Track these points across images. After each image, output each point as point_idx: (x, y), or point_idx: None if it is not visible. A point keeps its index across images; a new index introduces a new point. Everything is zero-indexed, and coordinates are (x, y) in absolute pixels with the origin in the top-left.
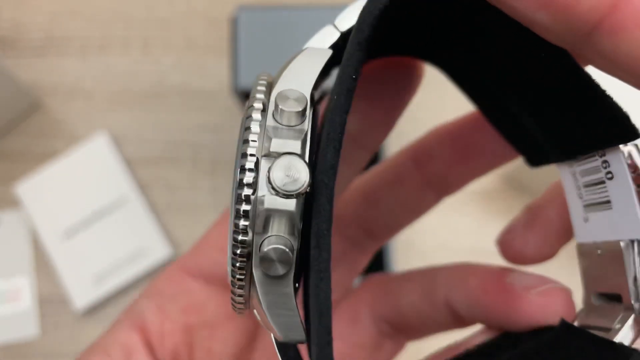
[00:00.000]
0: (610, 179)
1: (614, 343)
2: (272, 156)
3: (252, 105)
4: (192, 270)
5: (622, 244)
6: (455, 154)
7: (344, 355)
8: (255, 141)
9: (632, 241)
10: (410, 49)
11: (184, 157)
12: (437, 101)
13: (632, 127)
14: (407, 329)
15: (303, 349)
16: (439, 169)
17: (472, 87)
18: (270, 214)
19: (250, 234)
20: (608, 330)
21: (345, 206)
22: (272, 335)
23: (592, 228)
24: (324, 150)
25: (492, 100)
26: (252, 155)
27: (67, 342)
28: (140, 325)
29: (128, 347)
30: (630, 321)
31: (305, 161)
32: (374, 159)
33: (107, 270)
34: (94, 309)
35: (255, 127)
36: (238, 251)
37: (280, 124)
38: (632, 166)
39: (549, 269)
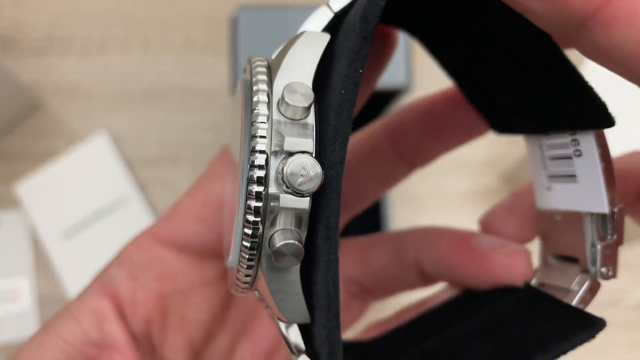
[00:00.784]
0: (579, 156)
1: (581, 311)
2: (283, 153)
3: (258, 98)
4: (165, 239)
5: (583, 214)
6: (427, 128)
7: None
8: (264, 137)
9: (592, 214)
10: (388, 18)
11: (184, 157)
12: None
13: (609, 115)
14: (376, 289)
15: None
16: (412, 143)
17: (446, 54)
18: (282, 210)
19: (260, 228)
20: (566, 290)
21: None
22: (275, 316)
23: (554, 197)
24: (332, 145)
25: (467, 70)
26: (262, 152)
27: None
28: (111, 293)
29: (99, 314)
30: (586, 285)
31: (317, 161)
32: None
33: None
34: None
35: (263, 121)
36: (248, 244)
37: (285, 116)
38: (602, 146)
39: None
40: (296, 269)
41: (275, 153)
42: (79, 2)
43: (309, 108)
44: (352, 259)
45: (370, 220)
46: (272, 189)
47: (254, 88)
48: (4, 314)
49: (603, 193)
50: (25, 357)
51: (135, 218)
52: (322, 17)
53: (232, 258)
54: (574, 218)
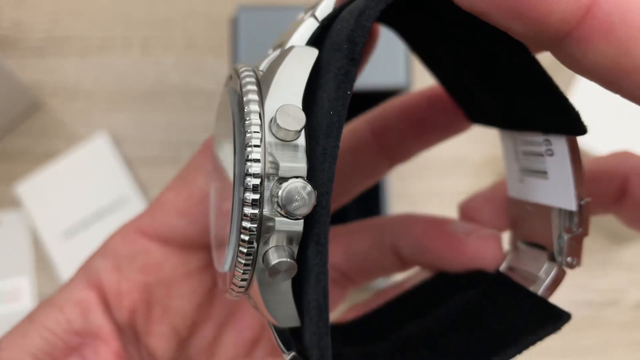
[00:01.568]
0: (550, 155)
1: (549, 304)
2: (277, 177)
3: (251, 120)
4: (148, 232)
5: (552, 207)
6: (408, 126)
7: None
8: (258, 160)
9: (561, 209)
10: None
11: (184, 156)
12: None
13: (582, 124)
14: (355, 276)
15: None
16: (394, 140)
17: (426, 51)
18: (277, 231)
19: (255, 246)
20: (535, 277)
21: None
22: (268, 321)
23: (526, 189)
24: (322, 165)
25: (446, 67)
26: (256, 175)
27: None
28: (96, 284)
29: (83, 305)
30: (553, 273)
31: (311, 185)
32: None
33: None
34: None
35: (257, 144)
36: (243, 261)
37: (277, 137)
38: (573, 148)
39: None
40: (288, 282)
41: (269, 176)
42: (79, 2)
43: (300, 130)
44: (334, 246)
45: None
46: (267, 210)
47: (246, 109)
48: (4, 313)
49: (572, 192)
50: (8, 345)
51: None
52: (308, 27)
53: (226, 267)
54: (544, 210)
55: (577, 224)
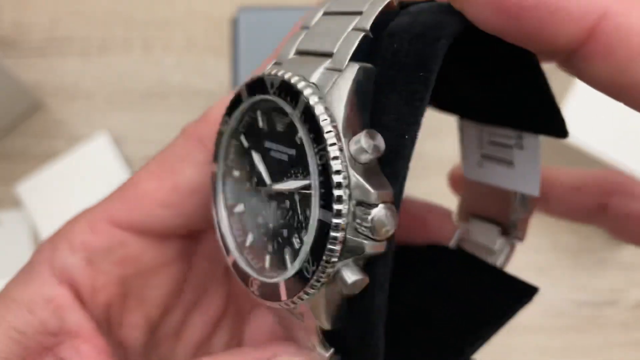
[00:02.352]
0: (520, 148)
1: (518, 280)
2: (367, 203)
3: (332, 143)
4: (123, 223)
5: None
6: None
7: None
8: (341, 185)
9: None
10: None
11: None
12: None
13: (565, 129)
14: None
15: None
16: None
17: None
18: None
19: (337, 265)
20: (488, 249)
21: None
22: (317, 325)
23: (484, 173)
24: (395, 187)
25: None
26: (343, 201)
27: None
28: (68, 280)
29: (56, 303)
30: (508, 248)
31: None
32: None
33: None
34: None
35: (340, 169)
36: (322, 280)
37: (359, 162)
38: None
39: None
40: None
41: (357, 202)
42: (79, 2)
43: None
44: None
45: None
46: (350, 234)
47: (326, 132)
48: None
49: (538, 182)
50: None
51: None
52: (363, 42)
53: (285, 277)
54: (500, 191)
55: (529, 206)
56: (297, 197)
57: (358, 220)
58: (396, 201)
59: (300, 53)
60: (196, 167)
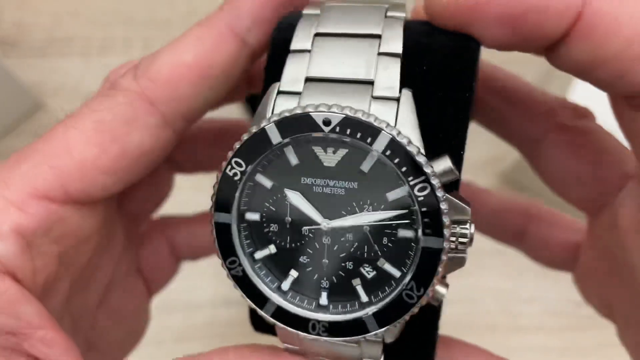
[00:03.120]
0: None
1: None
2: (465, 220)
3: (438, 182)
4: (58, 196)
5: None
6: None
7: None
8: (446, 212)
9: None
10: None
11: None
12: None
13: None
14: None
15: None
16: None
17: None
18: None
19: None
20: None
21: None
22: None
23: None
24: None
25: None
26: (449, 225)
27: None
28: (7, 272)
29: (5, 300)
30: None
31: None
32: None
33: None
34: None
35: (443, 197)
36: (423, 302)
37: (443, 183)
38: None
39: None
40: None
41: (452, 222)
42: (80, 3)
43: None
44: None
45: None
46: (450, 254)
47: (425, 165)
48: None
49: None
50: None
51: None
52: (396, 65)
53: (382, 308)
54: None
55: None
56: (367, 229)
57: (460, 239)
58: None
59: (318, 80)
60: (146, 131)
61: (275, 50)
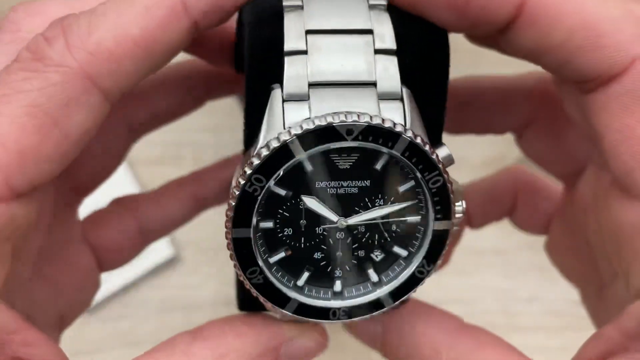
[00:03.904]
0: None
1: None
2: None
3: (450, 182)
4: (4, 195)
5: None
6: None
7: None
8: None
9: None
10: None
11: (185, 157)
12: None
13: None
14: None
15: None
16: (142, 116)
17: None
18: None
19: None
20: None
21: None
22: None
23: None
24: None
25: None
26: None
27: (68, 341)
28: None
29: None
30: None
31: None
32: None
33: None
34: (96, 308)
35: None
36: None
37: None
38: None
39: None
40: None
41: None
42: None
43: None
44: None
45: None
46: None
47: (439, 163)
48: None
49: None
50: None
51: None
52: (394, 64)
53: (398, 285)
54: None
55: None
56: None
57: (456, 215)
58: None
59: (322, 85)
60: (87, 110)
61: (256, 49)
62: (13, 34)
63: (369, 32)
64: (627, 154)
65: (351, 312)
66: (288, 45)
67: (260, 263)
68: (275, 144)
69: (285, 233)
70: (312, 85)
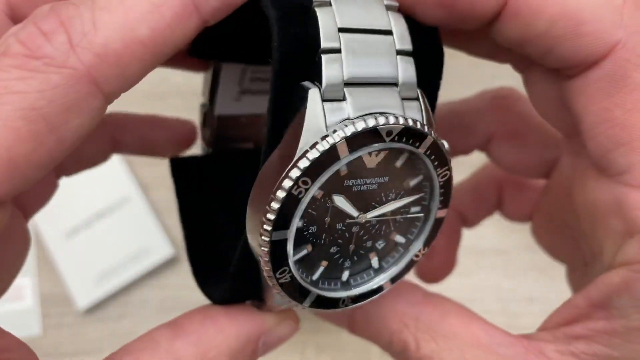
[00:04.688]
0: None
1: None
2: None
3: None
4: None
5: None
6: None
7: None
8: None
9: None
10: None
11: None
12: None
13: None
14: None
15: None
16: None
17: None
18: None
19: None
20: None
21: None
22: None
23: (241, 106)
24: None
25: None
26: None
27: (69, 341)
28: None
29: None
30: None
31: None
32: None
33: (109, 270)
34: (96, 308)
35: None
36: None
37: None
38: None
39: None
40: None
41: None
42: None
43: None
44: None
45: None
46: None
47: (449, 158)
48: (6, 312)
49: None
50: None
51: (137, 218)
52: (412, 65)
53: (401, 269)
54: (254, 119)
55: None
56: (389, 213)
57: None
58: None
59: (354, 85)
60: (87, 115)
61: (288, 46)
62: None
63: (390, 32)
64: (604, 136)
65: (357, 298)
66: (325, 44)
67: (290, 262)
68: (324, 146)
69: (310, 231)
70: (346, 84)
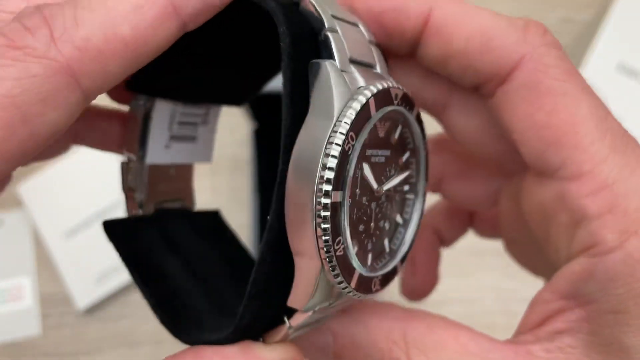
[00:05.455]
0: (204, 123)
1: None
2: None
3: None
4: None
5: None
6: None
7: None
8: None
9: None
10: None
11: None
12: None
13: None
14: None
15: None
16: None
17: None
18: None
19: None
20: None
21: None
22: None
23: (171, 153)
24: None
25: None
26: None
27: (68, 341)
28: None
29: None
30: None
31: None
32: None
33: (109, 270)
34: (96, 308)
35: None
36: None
37: None
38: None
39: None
40: None
41: None
42: None
43: None
44: None
45: None
46: None
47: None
48: (6, 312)
49: (212, 150)
50: None
51: None
52: (380, 53)
53: (407, 250)
54: (185, 169)
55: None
56: (391, 190)
57: None
58: None
59: (354, 62)
60: (64, 109)
61: (293, 28)
62: None
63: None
64: (534, 139)
65: (382, 281)
66: (329, 24)
67: (345, 231)
68: (361, 102)
69: (346, 203)
70: (352, 61)
